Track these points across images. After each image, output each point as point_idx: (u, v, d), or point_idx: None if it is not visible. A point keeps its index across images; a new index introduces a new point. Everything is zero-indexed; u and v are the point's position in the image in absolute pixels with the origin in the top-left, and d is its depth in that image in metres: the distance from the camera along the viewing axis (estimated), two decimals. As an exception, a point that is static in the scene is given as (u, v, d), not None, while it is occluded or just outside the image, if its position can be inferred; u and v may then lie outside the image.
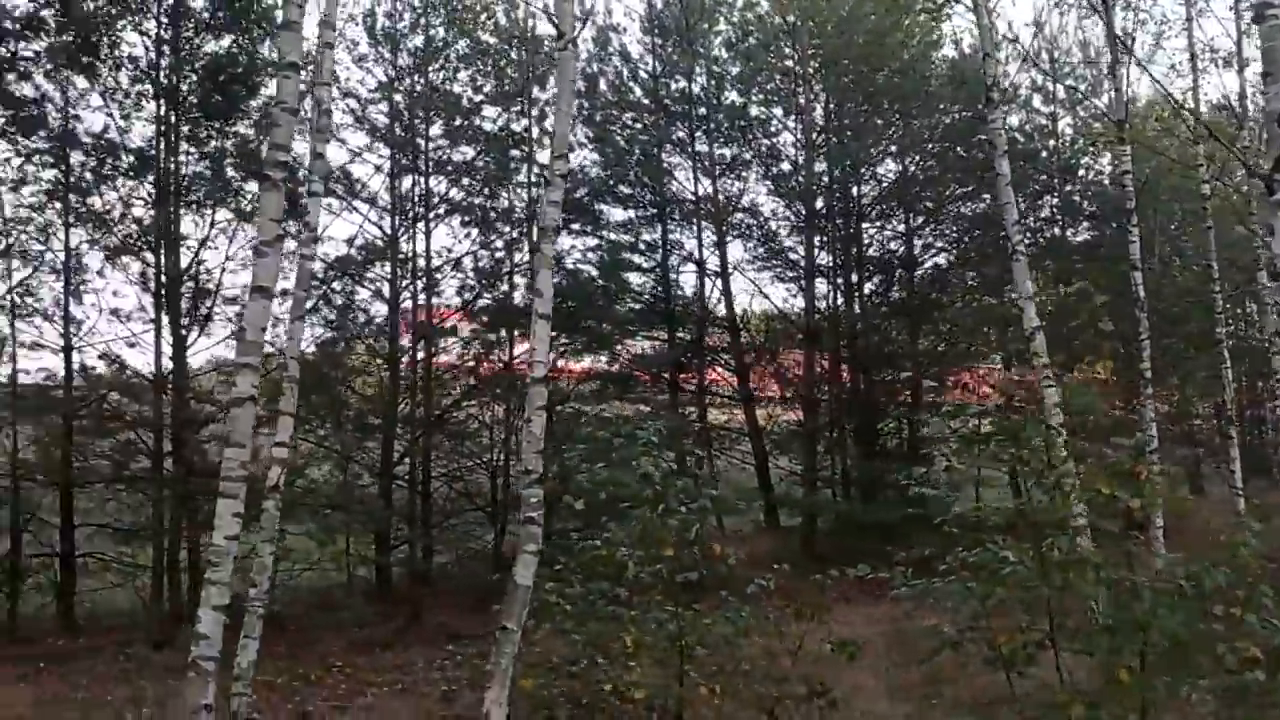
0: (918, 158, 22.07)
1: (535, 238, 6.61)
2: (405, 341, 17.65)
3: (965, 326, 22.12)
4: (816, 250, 21.67)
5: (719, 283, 22.11)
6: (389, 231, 17.60)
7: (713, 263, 22.14)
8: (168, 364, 15.03)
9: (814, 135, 21.45)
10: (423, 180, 17.92)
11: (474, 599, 16.08)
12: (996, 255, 20.52)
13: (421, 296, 17.82)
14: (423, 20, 17.90)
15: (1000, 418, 7.15)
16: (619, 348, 20.89)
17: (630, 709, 7.12)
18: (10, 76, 14.88)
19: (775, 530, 21.60)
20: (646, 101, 21.67)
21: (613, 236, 21.33)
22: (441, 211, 18.21)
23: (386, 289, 17.60)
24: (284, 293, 12.10)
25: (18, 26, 14.64)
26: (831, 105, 21.94)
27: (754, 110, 21.88)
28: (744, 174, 22.58)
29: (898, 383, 22.07)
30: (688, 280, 22.78)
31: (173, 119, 15.12)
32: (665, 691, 7.08)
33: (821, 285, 21.91)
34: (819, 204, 21.63)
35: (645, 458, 7.32)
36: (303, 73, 16.87)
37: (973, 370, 21.89)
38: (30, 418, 14.79)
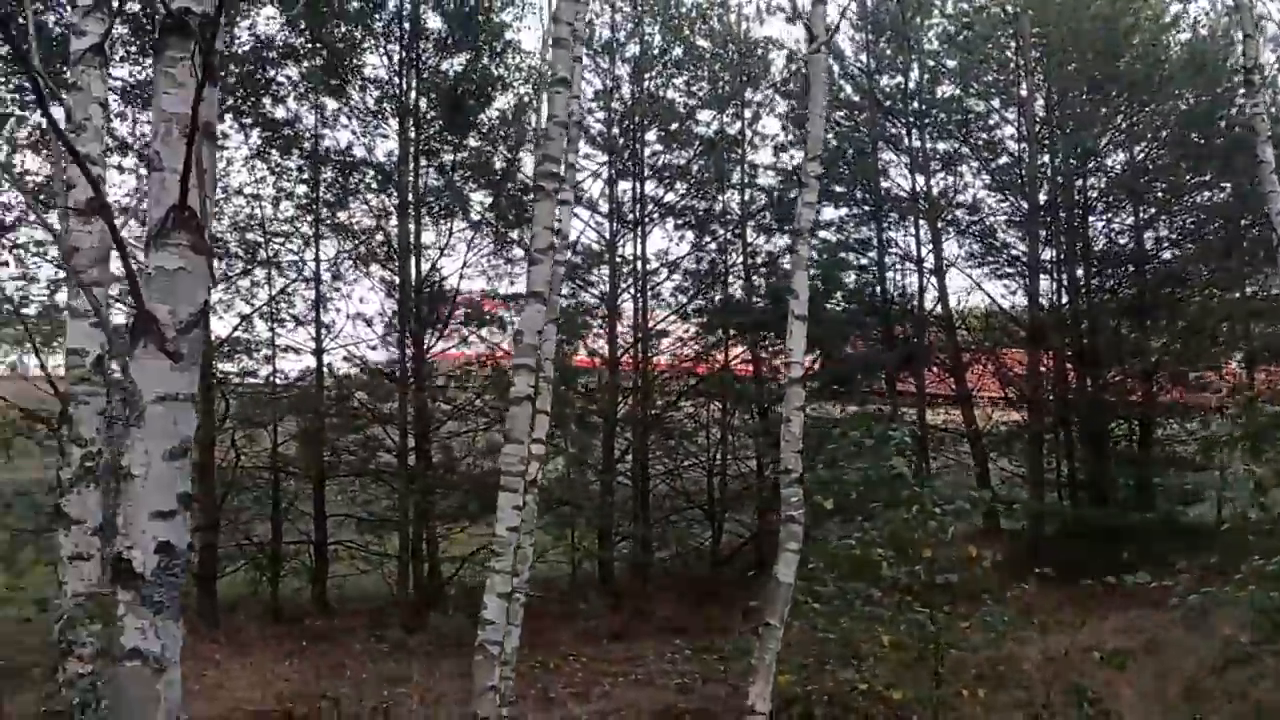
0: (1149, 146, 20.97)
1: (790, 240, 6.72)
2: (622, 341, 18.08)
3: (1204, 324, 20.81)
4: (1040, 245, 20.87)
5: (933, 280, 21.66)
6: (607, 236, 18.06)
7: (927, 260, 21.69)
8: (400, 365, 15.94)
9: (1036, 127, 20.67)
10: (639, 185, 18.31)
11: (694, 595, 16.38)
12: (1236, 247, 19.32)
13: (639, 298, 18.23)
14: (639, 29, 18.29)
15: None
16: (833, 347, 20.67)
17: (884, 709, 7.09)
18: (266, 100, 16.13)
19: (995, 534, 20.92)
20: (858, 99, 21.42)
21: (825, 235, 21.18)
22: (656, 215, 18.58)
23: (605, 291, 18.09)
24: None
25: (274, 55, 15.85)
26: (1054, 95, 21.14)
27: (971, 103, 21.31)
28: (959, 169, 22.08)
29: (1128, 382, 20.97)
30: (901, 278, 22.41)
31: (411, 135, 15.97)
32: (923, 693, 7.00)
33: (1044, 281, 21.13)
34: (1041, 197, 20.85)
35: (899, 458, 7.27)
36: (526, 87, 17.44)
37: (1216, 369, 20.59)
38: (287, 415, 15.99)
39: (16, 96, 15.34)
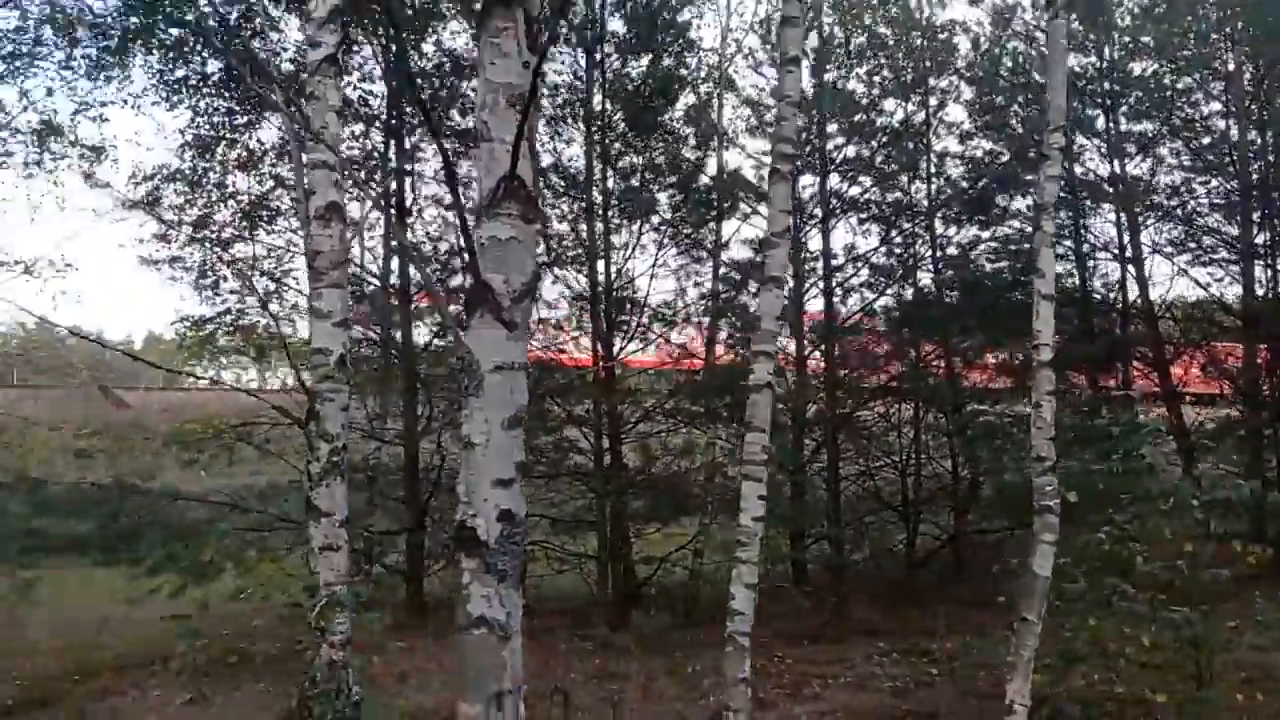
0: (1372, 114, 19.37)
1: (1035, 217, 6.34)
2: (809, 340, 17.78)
3: None
4: (1252, 228, 19.53)
5: (1132, 269, 20.53)
6: (791, 232, 17.80)
7: (1126, 249, 20.57)
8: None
9: (1245, 101, 19.36)
10: (822, 179, 17.99)
11: (888, 598, 16.00)
12: None
13: (826, 296, 17.91)
14: (818, 19, 17.99)
15: None
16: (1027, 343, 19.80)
17: (1139, 712, 6.68)
18: (454, 113, 16.60)
19: (1206, 536, 19.66)
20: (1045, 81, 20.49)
21: (1016, 224, 20.31)
22: (840, 210, 18.21)
23: (790, 289, 17.84)
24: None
25: (464, 67, 16.30)
26: (1261, 67, 19.76)
27: (1170, 80, 20.13)
28: (1158, 150, 20.88)
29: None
30: (1097, 267, 21.33)
31: (596, 138, 16.11)
32: (1187, 697, 6.55)
33: (1257, 267, 19.74)
34: (1252, 177, 19.52)
35: (1150, 448, 6.84)
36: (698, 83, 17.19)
37: None
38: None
39: (225, 121, 16.22)
